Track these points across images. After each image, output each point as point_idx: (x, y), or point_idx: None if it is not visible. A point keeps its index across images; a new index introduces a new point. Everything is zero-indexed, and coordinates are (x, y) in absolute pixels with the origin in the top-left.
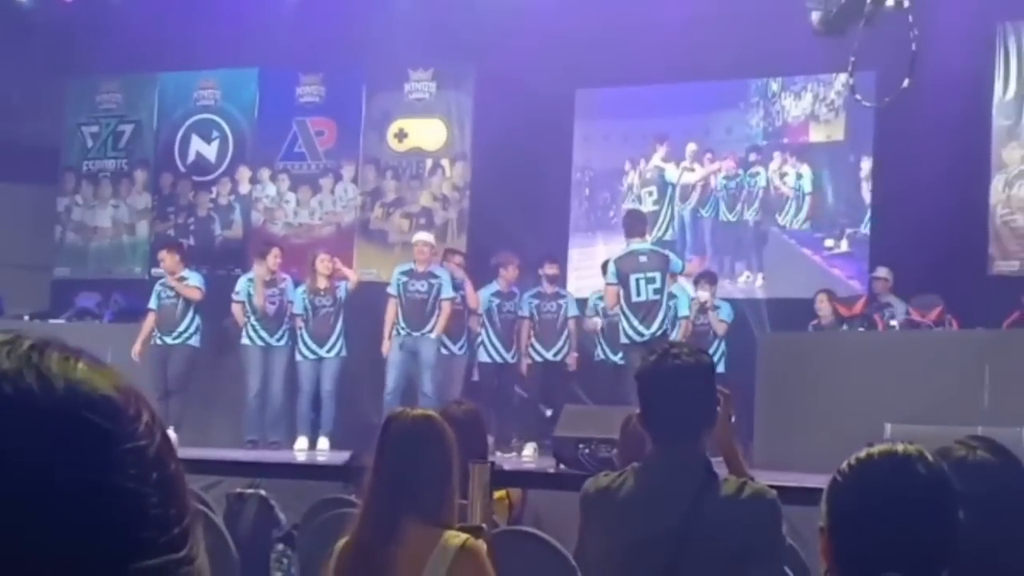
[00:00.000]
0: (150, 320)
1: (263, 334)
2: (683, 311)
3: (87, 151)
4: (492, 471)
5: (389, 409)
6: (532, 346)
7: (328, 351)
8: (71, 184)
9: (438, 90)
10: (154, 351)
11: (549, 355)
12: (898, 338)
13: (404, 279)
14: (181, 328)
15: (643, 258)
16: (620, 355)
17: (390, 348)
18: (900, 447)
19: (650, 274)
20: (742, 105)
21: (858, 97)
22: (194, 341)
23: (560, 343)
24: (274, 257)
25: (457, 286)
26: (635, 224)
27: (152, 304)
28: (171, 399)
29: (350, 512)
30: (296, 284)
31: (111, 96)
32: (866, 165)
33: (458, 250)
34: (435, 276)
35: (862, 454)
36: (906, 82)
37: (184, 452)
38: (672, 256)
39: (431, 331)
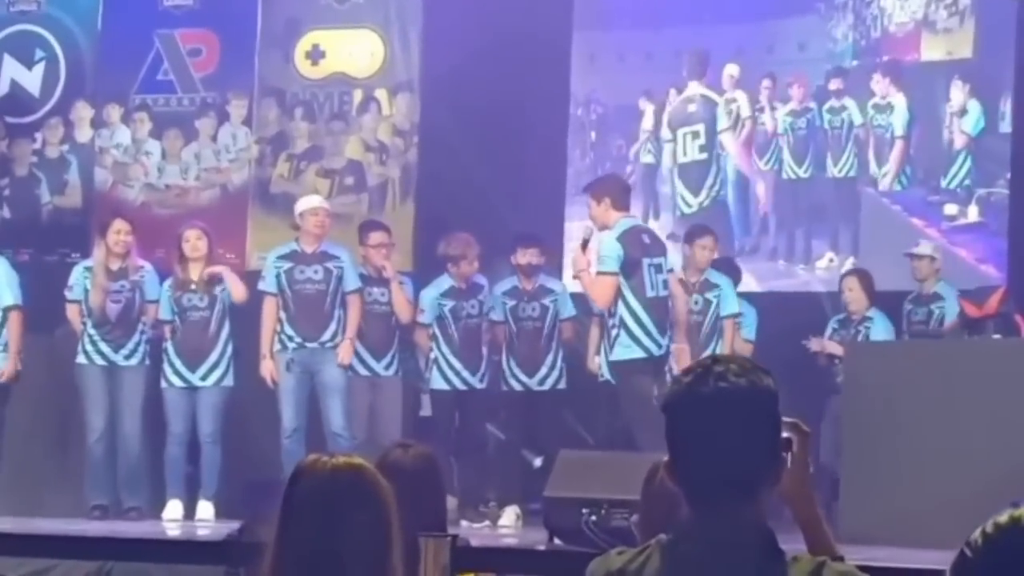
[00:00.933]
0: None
1: (104, 348)
2: (730, 307)
3: None
4: (454, 547)
5: (291, 458)
6: (508, 368)
7: (204, 377)
8: None
9: None
10: None
11: (532, 382)
12: None
13: (286, 266)
14: None
15: (646, 237)
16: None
17: (274, 369)
18: None
19: (658, 260)
20: (822, 7)
21: None
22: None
23: (549, 362)
24: (117, 234)
25: (373, 280)
26: (622, 193)
27: None
28: None
29: None
30: (161, 276)
31: None
32: (1006, 96)
33: (380, 223)
34: (332, 257)
35: (1002, 519)
36: None
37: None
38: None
39: (333, 341)
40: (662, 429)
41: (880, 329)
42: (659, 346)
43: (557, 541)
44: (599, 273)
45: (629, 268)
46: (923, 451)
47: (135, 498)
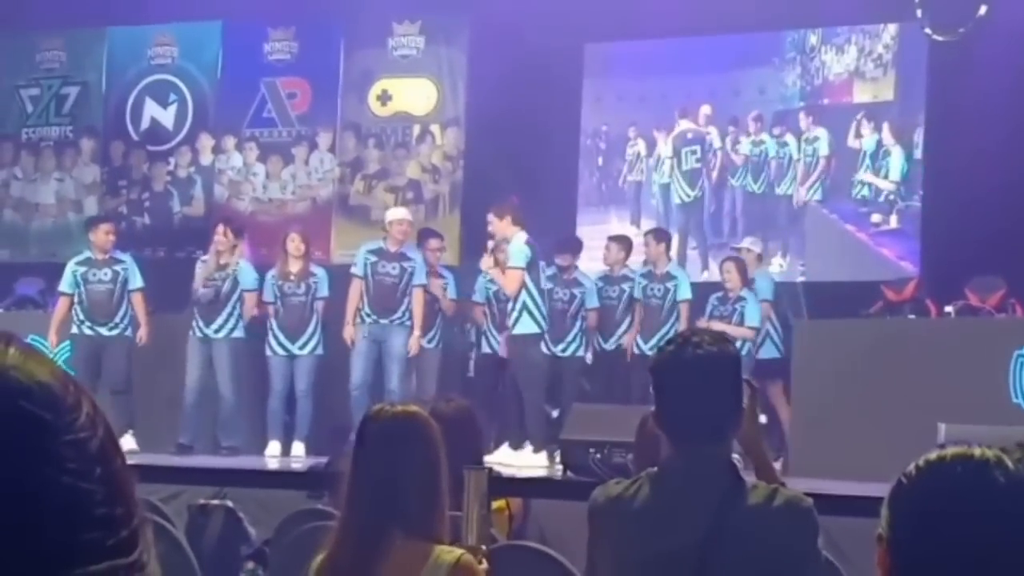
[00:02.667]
0: (64, 306)
1: (200, 324)
2: (684, 294)
3: (27, 117)
4: (491, 478)
5: (357, 406)
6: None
7: (301, 347)
8: (9, 155)
9: (427, 45)
10: (82, 342)
11: (557, 350)
12: (954, 326)
13: (373, 259)
14: (117, 319)
15: (535, 245)
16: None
17: (355, 334)
18: (977, 451)
19: (541, 262)
20: (776, 61)
21: (928, 31)
22: (130, 332)
23: (571, 336)
24: (219, 235)
25: (428, 273)
26: (518, 212)
27: (67, 287)
28: (118, 398)
29: (327, 526)
30: (259, 270)
31: (53, 54)
32: (918, 129)
33: (436, 232)
34: (408, 259)
35: (933, 456)
36: (983, 9)
37: (141, 458)
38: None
39: (400, 319)
40: (544, 386)
41: (752, 307)
42: (547, 323)
43: (570, 474)
44: (511, 268)
45: (531, 266)
46: (856, 404)
47: (231, 439)
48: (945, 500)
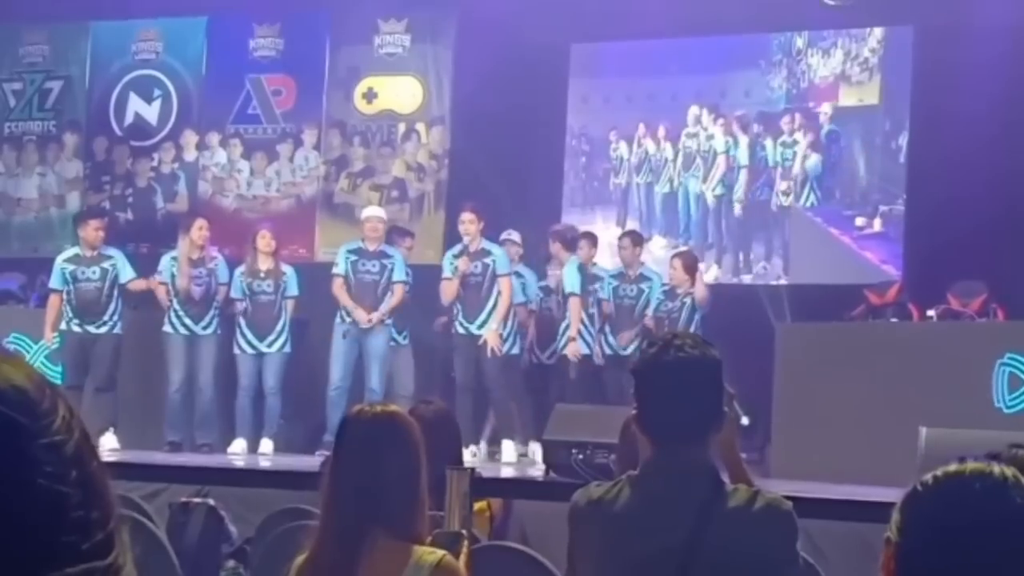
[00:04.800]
0: (55, 302)
1: (187, 321)
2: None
3: (9, 111)
4: (472, 478)
5: (334, 406)
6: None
7: (269, 346)
8: None
9: (413, 43)
10: (71, 339)
11: (544, 356)
12: (936, 330)
13: (353, 259)
14: (107, 316)
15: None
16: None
17: (366, 316)
18: (996, 468)
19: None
20: (763, 63)
21: None
22: (119, 329)
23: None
24: (199, 230)
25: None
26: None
27: (57, 284)
28: (102, 396)
29: (309, 524)
30: (231, 264)
31: (36, 48)
32: (903, 133)
33: (407, 230)
34: (388, 256)
35: (952, 469)
36: None
37: (123, 456)
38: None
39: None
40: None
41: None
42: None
43: (553, 475)
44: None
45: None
46: (838, 408)
47: (207, 436)
48: (961, 515)
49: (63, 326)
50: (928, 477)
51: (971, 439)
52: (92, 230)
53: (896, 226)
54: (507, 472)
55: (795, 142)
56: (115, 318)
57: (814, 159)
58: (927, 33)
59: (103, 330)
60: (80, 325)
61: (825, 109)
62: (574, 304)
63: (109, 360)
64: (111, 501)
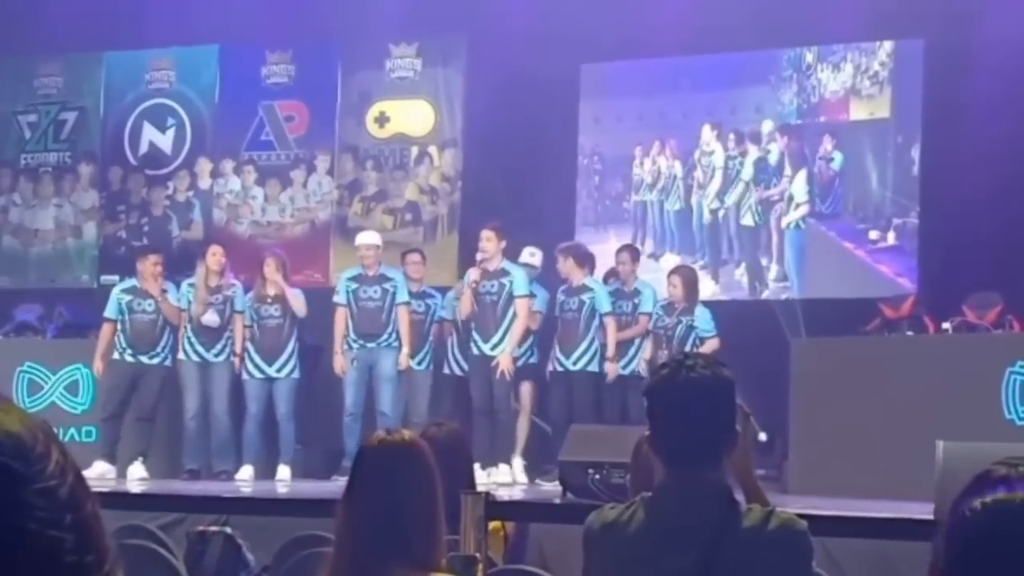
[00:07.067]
0: (108, 332)
1: (199, 348)
2: (604, 307)
3: (24, 143)
4: (487, 501)
5: (349, 432)
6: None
7: (279, 370)
8: (7, 181)
9: (424, 67)
10: (122, 368)
11: (568, 363)
12: (952, 343)
13: (353, 286)
14: (159, 348)
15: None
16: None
17: (344, 363)
18: None
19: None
20: (773, 79)
21: None
22: (169, 362)
23: (585, 345)
24: (213, 256)
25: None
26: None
27: (112, 314)
28: (141, 424)
29: (327, 552)
30: (248, 291)
31: (51, 80)
32: (915, 146)
33: (416, 248)
34: (388, 279)
35: (1001, 496)
36: None
37: (143, 486)
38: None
39: (387, 341)
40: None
41: (697, 318)
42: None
43: (569, 496)
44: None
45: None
46: (854, 422)
47: (225, 463)
48: (1014, 543)
49: (115, 355)
50: (976, 503)
51: (989, 452)
52: (151, 264)
53: (910, 239)
54: (520, 494)
55: (806, 156)
56: (166, 351)
57: (827, 173)
58: (937, 46)
59: (155, 361)
60: (133, 355)
61: (836, 123)
62: (611, 324)
63: (156, 391)
64: (106, 544)
